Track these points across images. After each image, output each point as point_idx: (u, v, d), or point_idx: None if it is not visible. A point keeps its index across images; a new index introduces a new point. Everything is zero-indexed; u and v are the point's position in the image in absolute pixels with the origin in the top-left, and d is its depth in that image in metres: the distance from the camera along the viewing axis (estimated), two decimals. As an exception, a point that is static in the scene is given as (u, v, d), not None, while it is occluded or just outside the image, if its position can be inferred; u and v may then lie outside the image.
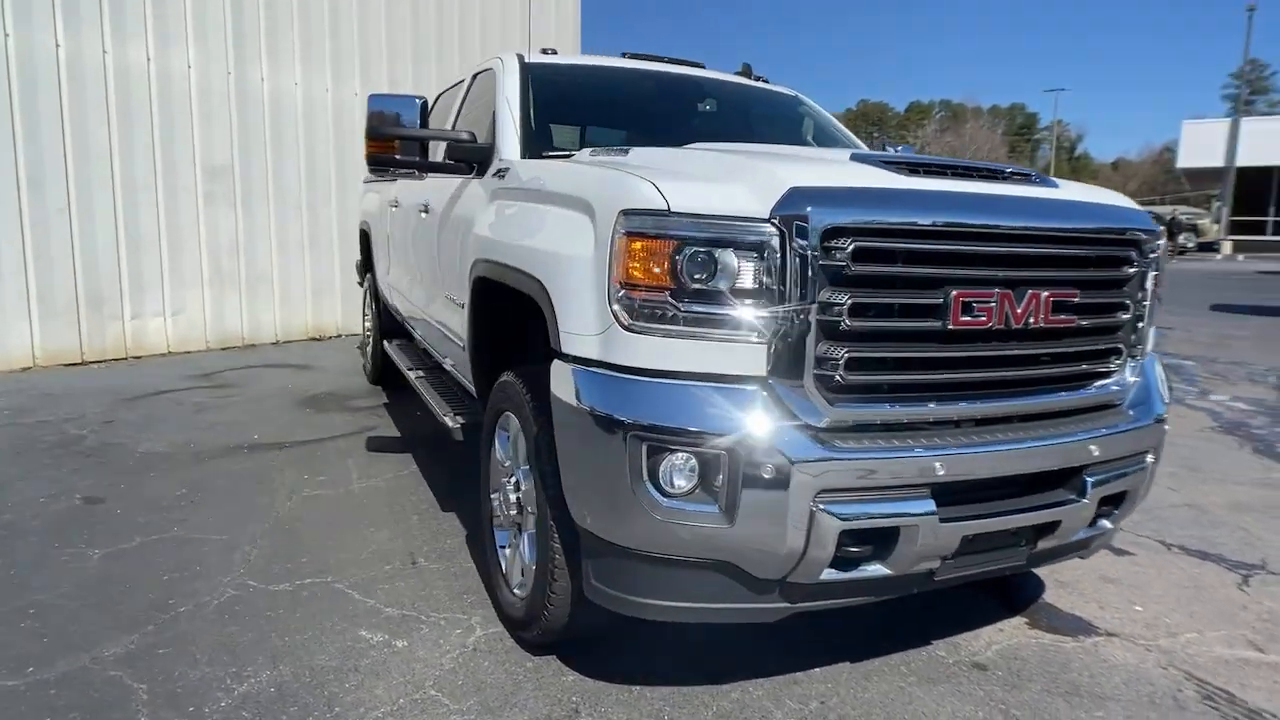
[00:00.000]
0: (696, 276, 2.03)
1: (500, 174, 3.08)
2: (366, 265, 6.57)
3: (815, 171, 2.12)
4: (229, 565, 3.25)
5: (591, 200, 2.21)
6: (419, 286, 4.17)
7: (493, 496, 2.99)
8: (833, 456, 2.00)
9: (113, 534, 3.52)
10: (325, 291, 8.62)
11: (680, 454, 2.04)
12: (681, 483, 2.05)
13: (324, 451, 4.71)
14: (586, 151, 2.88)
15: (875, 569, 2.15)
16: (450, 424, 3.49)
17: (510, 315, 3.07)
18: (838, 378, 2.05)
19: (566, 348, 2.22)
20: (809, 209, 1.99)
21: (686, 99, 4.04)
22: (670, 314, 2.05)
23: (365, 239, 6.39)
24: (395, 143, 3.33)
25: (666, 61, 4.10)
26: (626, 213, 2.08)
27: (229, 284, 7.90)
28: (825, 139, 4.01)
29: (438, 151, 3.59)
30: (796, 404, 2.02)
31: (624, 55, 4.11)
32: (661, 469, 2.05)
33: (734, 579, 2.14)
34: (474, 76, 4.19)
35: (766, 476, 1.98)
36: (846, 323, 2.03)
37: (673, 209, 2.02)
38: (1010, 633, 2.89)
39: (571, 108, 3.62)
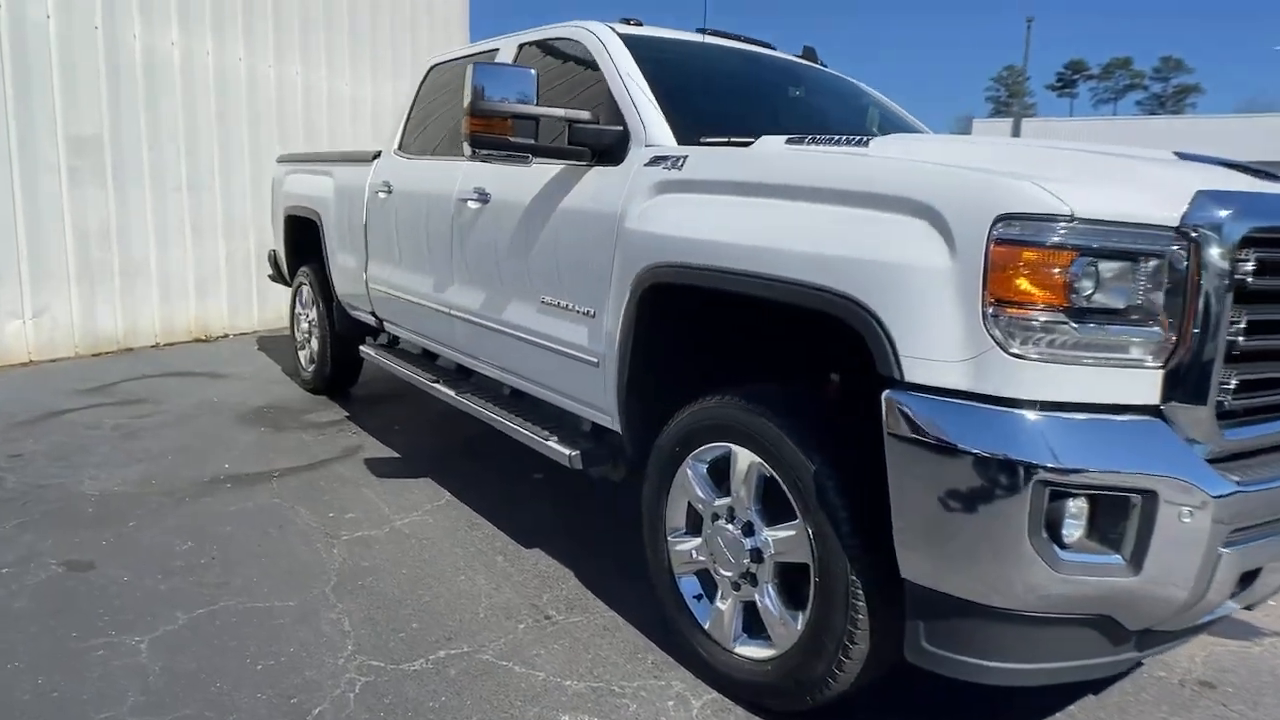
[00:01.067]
0: (1093, 292, 1.77)
1: (664, 162, 2.63)
2: (300, 258, 5.71)
3: (1202, 175, 1.92)
4: (329, 643, 2.61)
5: (935, 202, 1.89)
6: (469, 288, 3.57)
7: (675, 540, 2.58)
8: (1242, 489, 1.82)
9: (142, 613, 2.75)
10: (210, 285, 7.48)
11: (1083, 499, 1.78)
12: (1080, 531, 1.80)
13: (325, 481, 3.99)
14: (776, 139, 2.49)
15: (1228, 606, 2.01)
16: (566, 453, 3.00)
17: (714, 329, 2.67)
18: (1228, 402, 1.87)
19: (913, 375, 1.89)
20: (1222, 216, 1.78)
21: (779, 83, 3.73)
22: (1062, 336, 1.78)
23: (300, 227, 5.52)
24: (508, 122, 2.80)
25: (744, 40, 3.76)
26: (1006, 218, 1.78)
27: (101, 278, 6.63)
28: (896, 127, 3.82)
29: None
30: (1198, 433, 1.82)
31: (699, 31, 3.73)
32: (1061, 517, 1.79)
33: (1103, 633, 1.92)
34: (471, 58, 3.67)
35: (1184, 518, 1.76)
36: (1244, 342, 1.85)
37: (1076, 214, 1.75)
38: (1193, 644, 2.86)
39: (677, 88, 3.19)
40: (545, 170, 3.11)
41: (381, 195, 4.37)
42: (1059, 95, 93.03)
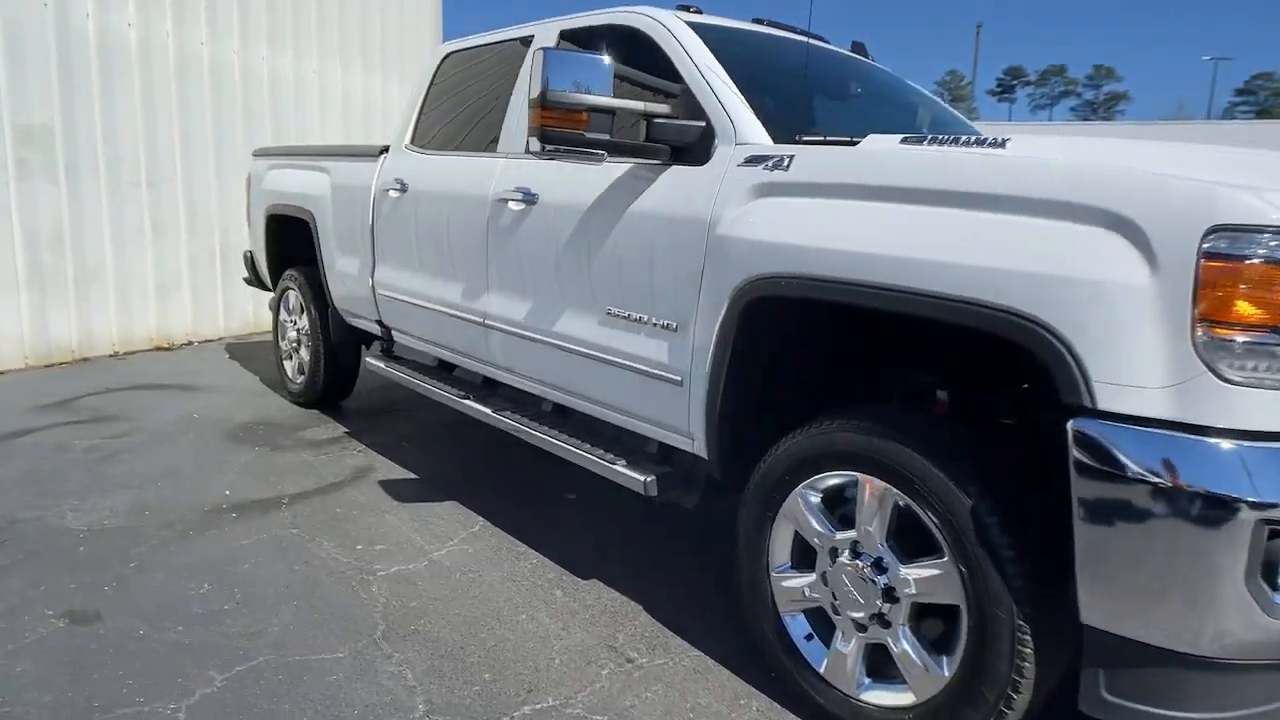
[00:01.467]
0: (1321, 312, 1.61)
1: (765, 162, 2.40)
2: (284, 261, 5.31)
3: None
4: (397, 703, 2.31)
5: (1132, 212, 1.69)
6: (509, 297, 3.28)
7: (781, 575, 2.36)
8: None
9: (170, 673, 2.40)
10: (172, 290, 6.96)
11: (1306, 539, 1.62)
12: (1298, 573, 1.64)
13: (342, 508, 3.65)
14: (887, 139, 2.28)
15: None
16: (641, 479, 2.75)
17: (826, 346, 2.45)
18: None
19: (1106, 403, 1.70)
20: None
21: (843, 79, 3.52)
22: (1284, 359, 1.61)
23: (286, 227, 5.12)
24: (583, 115, 2.53)
25: (800, 33, 3.54)
26: (1218, 230, 1.61)
27: (52, 282, 6.09)
28: (950, 126, 3.66)
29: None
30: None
31: (756, 21, 3.50)
32: (1278, 559, 1.63)
33: (1298, 678, 1.76)
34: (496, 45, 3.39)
35: None
36: None
37: (1296, 225, 1.58)
38: None
39: (755, 82, 2.95)
40: (608, 170, 2.85)
41: (393, 194, 4.03)
42: (999, 100, 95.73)
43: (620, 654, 2.60)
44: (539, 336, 3.16)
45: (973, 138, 2.16)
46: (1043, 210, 1.83)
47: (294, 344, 5.21)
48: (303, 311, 5.06)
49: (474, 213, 3.46)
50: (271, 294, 5.50)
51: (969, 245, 1.91)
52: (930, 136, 2.23)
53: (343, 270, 4.56)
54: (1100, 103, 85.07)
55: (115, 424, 4.73)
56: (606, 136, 2.57)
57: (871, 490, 2.13)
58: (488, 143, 3.58)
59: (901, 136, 2.28)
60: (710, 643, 2.67)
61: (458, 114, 3.96)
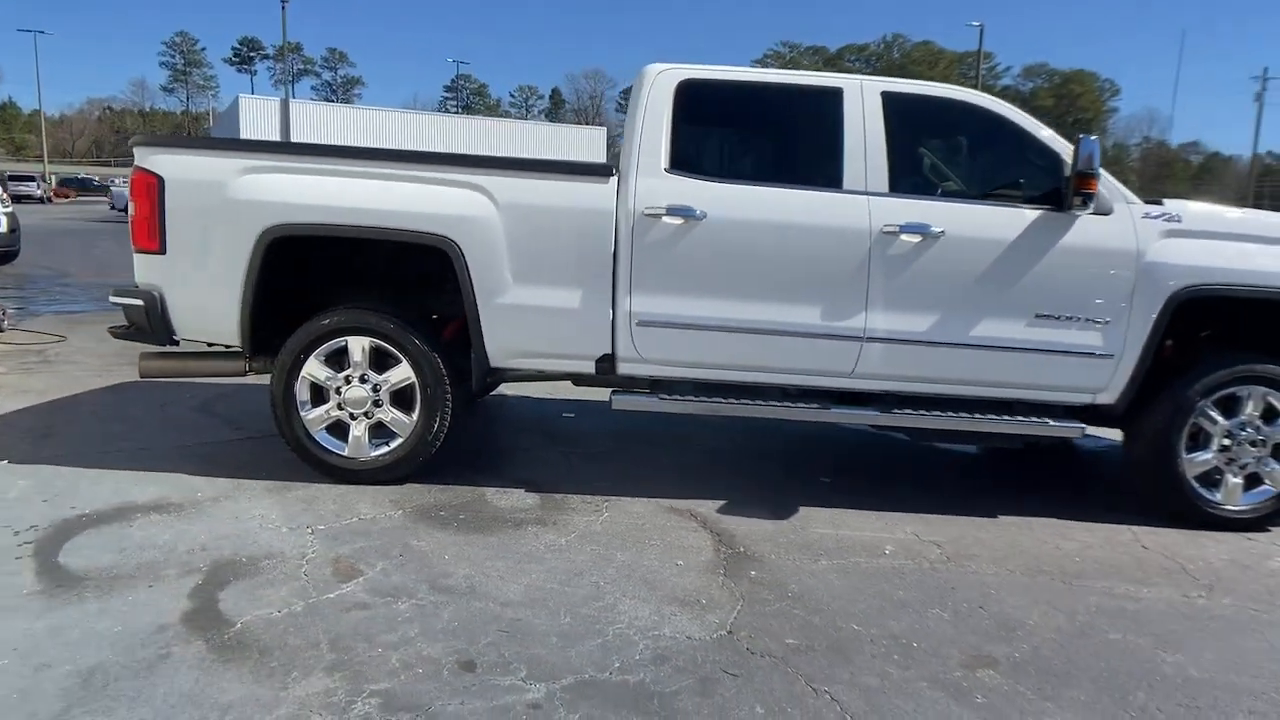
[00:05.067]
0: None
1: (1162, 216, 3.86)
2: (279, 306, 4.06)
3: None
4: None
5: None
6: (902, 313, 3.87)
7: (1191, 459, 4.04)
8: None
9: None
10: None
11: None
12: None
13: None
14: (1184, 203, 4.09)
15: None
16: (1080, 427, 3.99)
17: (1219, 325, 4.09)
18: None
19: None
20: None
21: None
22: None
23: (309, 257, 3.91)
24: (1094, 181, 3.68)
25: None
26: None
27: None
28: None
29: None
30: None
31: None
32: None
33: None
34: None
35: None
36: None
37: None
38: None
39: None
40: (1020, 213, 3.90)
41: (670, 220, 3.89)
42: (239, 71, 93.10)
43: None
44: (949, 341, 3.94)
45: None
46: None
47: (363, 404, 4.04)
48: (385, 362, 4.02)
49: (849, 243, 3.90)
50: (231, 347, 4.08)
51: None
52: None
53: (529, 304, 3.97)
54: (339, 85, 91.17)
55: (92, 588, 3.18)
56: (1106, 194, 3.74)
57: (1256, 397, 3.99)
58: (815, 179, 3.99)
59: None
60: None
61: (736, 146, 4.07)
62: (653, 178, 3.97)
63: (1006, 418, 4.03)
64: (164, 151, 4.00)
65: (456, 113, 72.17)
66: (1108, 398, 4.02)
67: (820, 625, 2.91)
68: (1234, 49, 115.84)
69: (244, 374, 4.33)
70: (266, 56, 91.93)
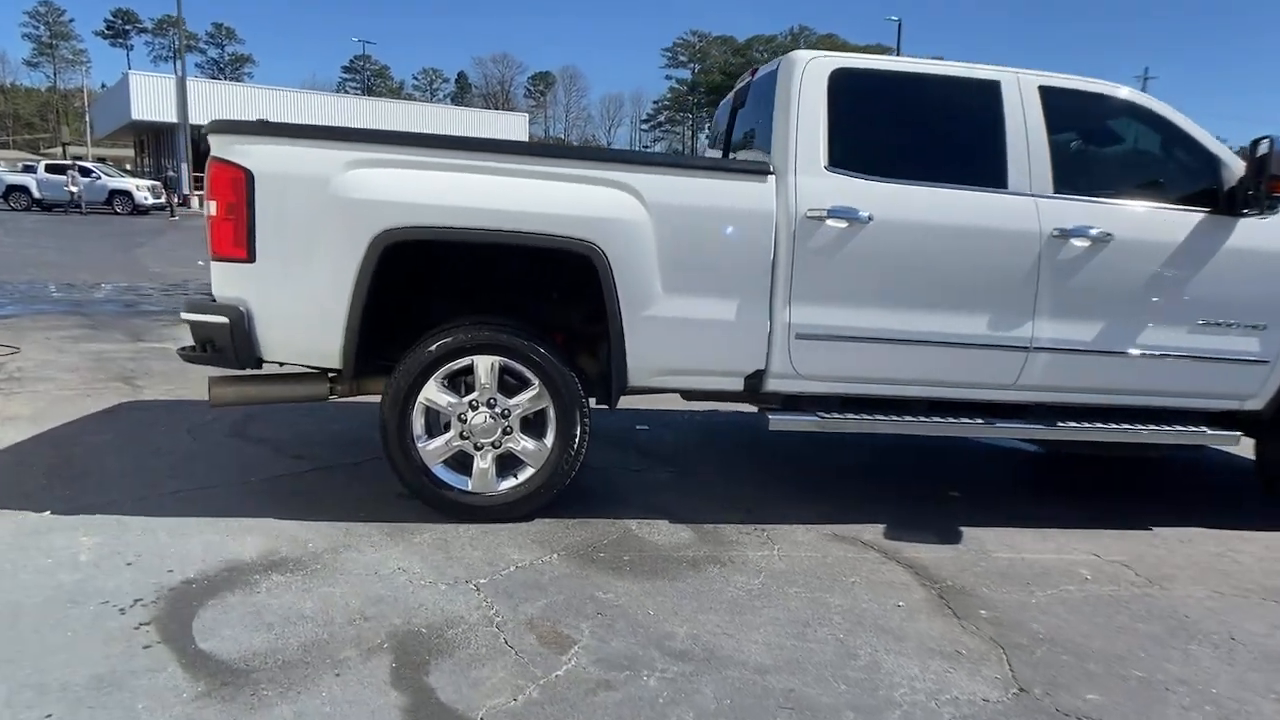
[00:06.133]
0: None
1: None
2: (384, 319, 3.56)
3: None
4: None
5: None
6: (1070, 321, 3.66)
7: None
8: None
9: None
10: None
11: None
12: None
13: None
14: None
15: None
16: (1237, 435, 3.90)
17: None
18: None
19: None
20: None
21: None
22: None
23: (425, 263, 3.41)
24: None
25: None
26: None
27: None
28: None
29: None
30: None
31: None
32: None
33: None
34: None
35: None
36: None
37: None
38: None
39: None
40: (1184, 217, 3.75)
41: (834, 224, 3.56)
42: (113, 45, 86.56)
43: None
44: (1113, 349, 3.76)
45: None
46: None
47: (492, 433, 3.56)
48: (507, 383, 3.56)
49: (1019, 247, 3.66)
50: (334, 370, 3.55)
51: None
52: None
53: (678, 316, 3.57)
54: (227, 63, 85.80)
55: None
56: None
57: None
58: (979, 178, 3.73)
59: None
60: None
61: (893, 141, 3.77)
62: (813, 176, 3.62)
63: (1166, 428, 3.89)
64: (253, 141, 3.37)
65: (358, 94, 69.00)
66: (1256, 404, 3.92)
67: (1100, 673, 2.65)
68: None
69: (326, 398, 3.77)
70: (144, 30, 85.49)
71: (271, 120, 3.63)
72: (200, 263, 14.55)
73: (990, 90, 3.79)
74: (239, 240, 3.37)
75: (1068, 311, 3.77)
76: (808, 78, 3.69)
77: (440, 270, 3.89)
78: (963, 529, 3.82)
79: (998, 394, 3.85)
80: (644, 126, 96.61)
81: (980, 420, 3.82)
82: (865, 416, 3.76)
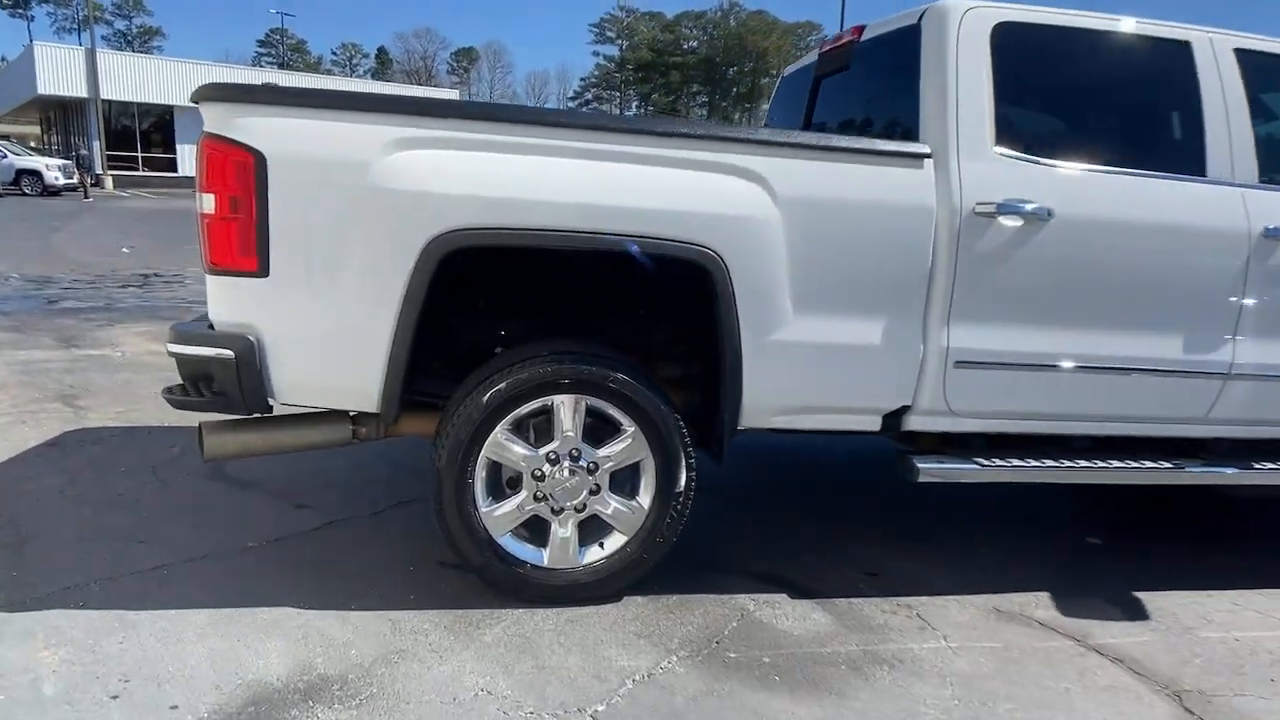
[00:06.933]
0: None
1: None
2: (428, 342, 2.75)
3: None
4: None
5: None
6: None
7: None
8: None
9: None
10: None
11: None
12: None
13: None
14: None
15: None
16: None
17: None
18: None
19: None
20: None
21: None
22: None
23: (491, 272, 2.60)
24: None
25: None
26: None
27: None
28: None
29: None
30: None
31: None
32: None
33: None
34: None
35: None
36: None
37: None
38: None
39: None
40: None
41: (1007, 221, 2.83)
42: (11, 15, 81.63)
43: None
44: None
45: None
46: None
47: (577, 493, 2.76)
48: (598, 428, 2.77)
49: (1224, 251, 2.98)
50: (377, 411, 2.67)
51: None
52: None
53: (813, 340, 2.81)
54: (135, 35, 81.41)
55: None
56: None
57: None
58: (1175, 163, 3.04)
59: None
60: None
61: (1071, 116, 3.04)
62: (980, 161, 2.88)
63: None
64: (263, 112, 2.49)
65: (275, 68, 65.69)
66: None
67: None
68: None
69: (348, 443, 2.95)
70: (46, 0, 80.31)
71: (287, 86, 2.73)
72: (125, 250, 13.22)
73: (1181, 53, 3.08)
74: (246, 247, 2.49)
75: (1268, 331, 3.10)
76: (966, 33, 2.93)
77: (488, 279, 3.06)
78: (1138, 595, 3.16)
79: (1184, 429, 3.19)
80: (571, 104, 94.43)
81: (1170, 465, 3.13)
82: (1033, 463, 3.04)
